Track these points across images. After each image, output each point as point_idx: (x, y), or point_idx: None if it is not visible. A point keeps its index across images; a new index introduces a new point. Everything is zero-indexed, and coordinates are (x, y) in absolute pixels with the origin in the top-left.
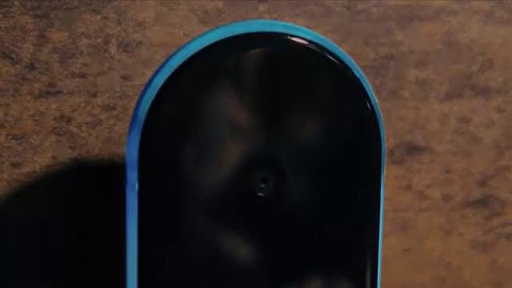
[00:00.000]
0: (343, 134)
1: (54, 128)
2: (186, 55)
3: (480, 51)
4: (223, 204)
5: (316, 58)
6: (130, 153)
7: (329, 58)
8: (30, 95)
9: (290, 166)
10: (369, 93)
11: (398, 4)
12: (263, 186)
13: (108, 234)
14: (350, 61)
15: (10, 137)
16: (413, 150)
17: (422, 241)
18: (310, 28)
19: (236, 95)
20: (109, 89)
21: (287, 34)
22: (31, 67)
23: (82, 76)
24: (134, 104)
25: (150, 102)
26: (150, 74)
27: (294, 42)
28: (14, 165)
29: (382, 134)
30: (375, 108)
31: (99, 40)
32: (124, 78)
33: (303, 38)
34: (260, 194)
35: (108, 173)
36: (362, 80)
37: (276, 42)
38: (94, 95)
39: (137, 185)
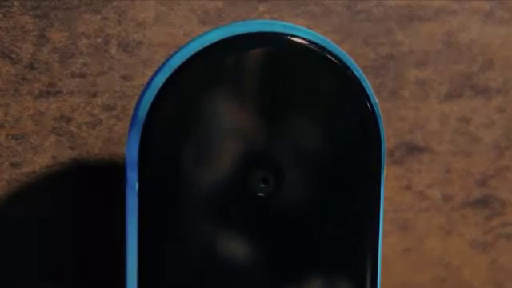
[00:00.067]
0: (343, 134)
1: (54, 128)
2: (186, 55)
3: (480, 51)
4: (223, 204)
5: (316, 58)
6: (130, 153)
7: (329, 58)
8: (30, 95)
9: (289, 166)
10: (369, 93)
11: (398, 4)
12: (263, 185)
13: (108, 234)
14: (350, 61)
15: (9, 137)
16: (413, 149)
17: (422, 241)
18: (310, 28)
19: (236, 95)
20: (109, 89)
21: (287, 34)
22: (31, 67)
23: (82, 76)
24: (133, 104)
25: (149, 102)
26: (149, 74)
27: (294, 41)
28: (14, 165)
29: (382, 133)
30: (375, 108)
31: (99, 40)
32: (124, 77)
33: (303, 38)
34: (260, 194)
35: (108, 173)
36: (362, 80)
37: (276, 41)
38: (94, 95)
39: (137, 185)
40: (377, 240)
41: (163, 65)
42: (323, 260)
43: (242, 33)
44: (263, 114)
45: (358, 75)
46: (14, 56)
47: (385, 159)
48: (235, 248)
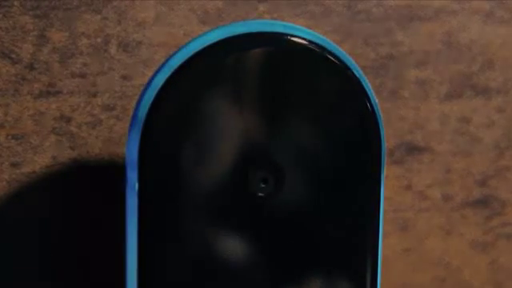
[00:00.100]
0: (343, 134)
1: (54, 128)
2: (186, 55)
3: (480, 51)
4: (223, 204)
5: (316, 58)
6: (130, 153)
7: (329, 58)
8: (30, 95)
9: (289, 166)
10: (369, 93)
11: (398, 4)
12: (263, 185)
13: (108, 234)
14: (350, 61)
15: (9, 137)
16: (413, 149)
17: (422, 241)
18: (310, 28)
19: (236, 95)
20: (109, 89)
21: (287, 34)
22: (31, 67)
23: (82, 76)
24: (133, 104)
25: (149, 102)
26: (149, 74)
27: (294, 41)
28: (14, 165)
29: (382, 133)
30: (375, 108)
31: (99, 40)
32: (124, 77)
33: (303, 38)
34: (260, 194)
35: (108, 173)
36: (362, 80)
37: (276, 41)
38: (94, 95)
39: (137, 185)
40: (377, 240)
41: (163, 65)
42: (323, 260)
43: (242, 33)
44: (263, 114)
45: (357, 75)
46: (14, 56)
47: (385, 159)
48: (235, 248)
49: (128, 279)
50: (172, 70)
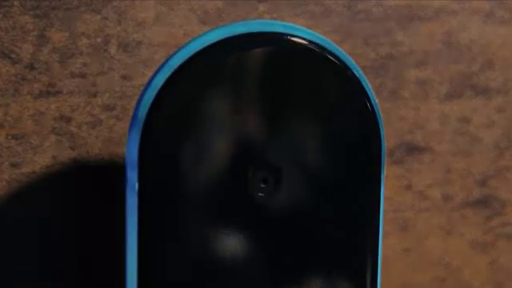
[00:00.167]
0: (343, 134)
1: (54, 128)
2: (186, 55)
3: (480, 51)
4: (223, 204)
5: (316, 58)
6: (130, 153)
7: (329, 58)
8: (30, 95)
9: (289, 166)
10: (369, 93)
11: (398, 4)
12: (263, 185)
13: (108, 234)
14: (350, 61)
15: (9, 137)
16: (413, 149)
17: (422, 241)
18: (310, 28)
19: (236, 95)
20: (109, 89)
21: (287, 34)
22: (31, 67)
23: (82, 76)
24: (133, 104)
25: (149, 102)
26: (149, 74)
27: (294, 41)
28: (14, 165)
29: (381, 133)
30: (375, 108)
31: (99, 40)
32: (124, 77)
33: (303, 38)
34: (260, 194)
35: (108, 173)
36: (362, 80)
37: (276, 41)
38: (94, 95)
39: (137, 185)
40: (377, 240)
41: (163, 65)
42: (323, 260)
43: (242, 33)
44: (263, 114)
45: (357, 75)
46: (13, 56)
47: (385, 159)
48: (235, 248)
49: (128, 279)
50: (172, 69)
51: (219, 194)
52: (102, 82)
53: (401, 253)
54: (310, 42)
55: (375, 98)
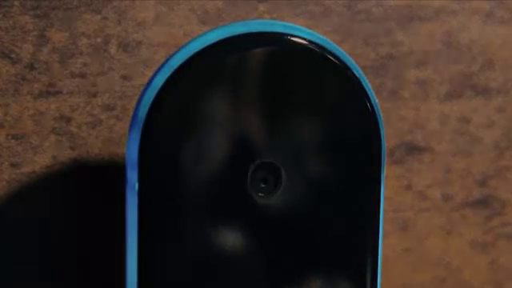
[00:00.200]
0: (343, 134)
1: (54, 128)
2: (186, 55)
3: (480, 51)
4: (223, 204)
5: (316, 58)
6: (130, 153)
7: (329, 58)
8: (30, 95)
9: (289, 166)
10: (369, 93)
11: (398, 4)
12: (263, 185)
13: (108, 234)
14: (350, 61)
15: (9, 137)
16: (413, 149)
17: (422, 241)
18: (310, 28)
19: (236, 95)
20: (109, 89)
21: (287, 34)
22: (31, 67)
23: (82, 76)
24: (133, 104)
25: (149, 102)
26: (150, 74)
27: (294, 41)
28: (14, 165)
29: (381, 133)
30: (375, 108)
31: (99, 40)
32: (124, 77)
33: (303, 38)
34: (260, 194)
35: (108, 173)
36: (362, 80)
37: (276, 41)
38: (94, 95)
39: (137, 185)
40: (377, 240)
41: (163, 65)
42: (323, 260)
43: (242, 33)
44: (263, 114)
45: (357, 75)
46: (13, 56)
47: (385, 159)
48: (235, 248)
49: (128, 279)
50: (172, 69)
51: (219, 194)
52: (101, 82)
53: (401, 253)
54: (310, 42)
55: (375, 98)
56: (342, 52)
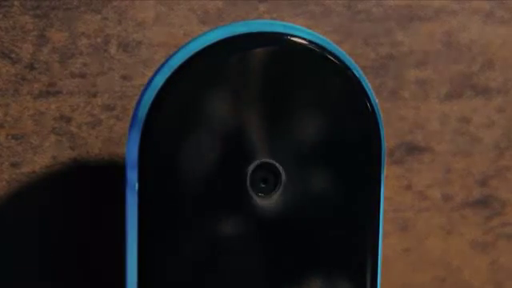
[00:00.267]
0: (343, 134)
1: (54, 128)
2: (186, 55)
3: (480, 51)
4: (223, 204)
5: (316, 58)
6: (130, 153)
7: (329, 58)
8: (30, 95)
9: (289, 166)
10: (369, 93)
11: (398, 4)
12: (263, 185)
13: (108, 234)
14: (350, 61)
15: (9, 137)
16: (413, 149)
17: (422, 241)
18: (310, 28)
19: (236, 95)
20: (109, 89)
21: (287, 34)
22: (31, 67)
23: (82, 76)
24: (134, 104)
25: (149, 102)
26: (150, 74)
27: (294, 41)
28: (14, 165)
29: (381, 133)
30: (375, 108)
31: (99, 40)
32: (124, 77)
33: (303, 38)
34: (260, 194)
35: (108, 173)
36: (362, 80)
37: (276, 41)
38: (94, 95)
39: (137, 185)
40: (377, 240)
41: (163, 65)
42: (323, 260)
43: (242, 33)
44: (263, 114)
45: (357, 75)
46: (13, 56)
47: (385, 159)
48: (235, 248)
49: (128, 279)
50: (172, 69)
51: (219, 194)
52: (102, 82)
53: (401, 253)
54: (310, 42)
55: (375, 98)
56: (341, 52)
